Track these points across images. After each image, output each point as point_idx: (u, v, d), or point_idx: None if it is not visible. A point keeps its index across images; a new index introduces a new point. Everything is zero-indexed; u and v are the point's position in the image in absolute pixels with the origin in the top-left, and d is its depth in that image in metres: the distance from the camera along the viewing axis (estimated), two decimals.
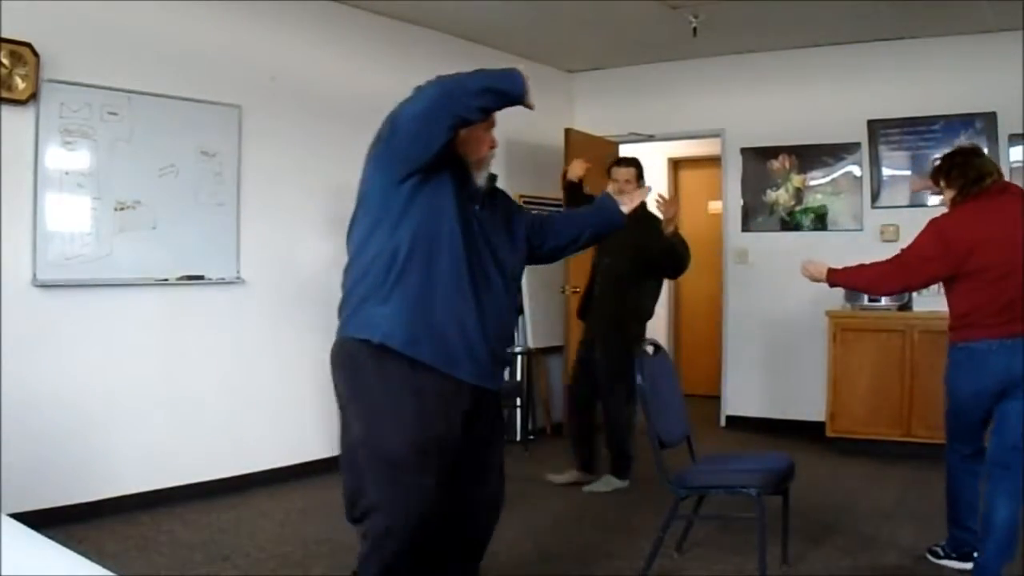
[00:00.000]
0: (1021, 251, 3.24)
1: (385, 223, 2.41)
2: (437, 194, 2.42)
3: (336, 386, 2.58)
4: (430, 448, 2.41)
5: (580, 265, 6.48)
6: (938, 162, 3.67)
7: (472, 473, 2.60)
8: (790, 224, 6.47)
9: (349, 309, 2.50)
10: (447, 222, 2.43)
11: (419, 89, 2.42)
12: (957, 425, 3.48)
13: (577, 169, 4.90)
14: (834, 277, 3.56)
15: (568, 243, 2.85)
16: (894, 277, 3.52)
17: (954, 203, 3.49)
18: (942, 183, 3.55)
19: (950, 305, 3.46)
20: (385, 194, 2.42)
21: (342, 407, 2.58)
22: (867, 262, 3.56)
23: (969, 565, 3.45)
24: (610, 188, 4.41)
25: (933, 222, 3.47)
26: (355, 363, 2.47)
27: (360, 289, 2.46)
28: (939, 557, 3.58)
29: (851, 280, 3.64)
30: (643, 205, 4.32)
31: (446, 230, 2.42)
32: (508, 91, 2.38)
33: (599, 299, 4.92)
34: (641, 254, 4.71)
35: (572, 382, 5.25)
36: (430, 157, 2.36)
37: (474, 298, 2.44)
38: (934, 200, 5.17)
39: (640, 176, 4.89)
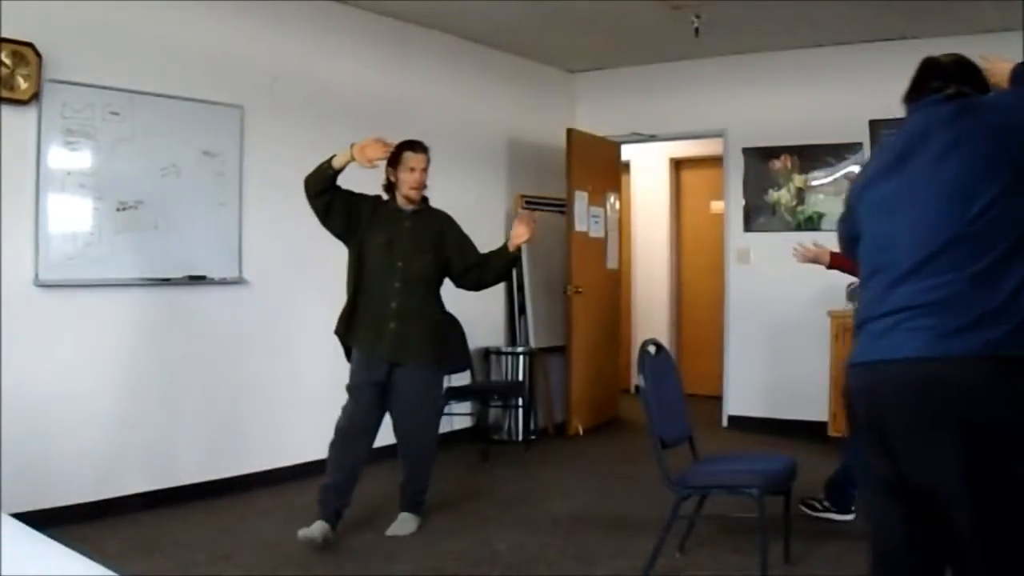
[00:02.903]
0: None
1: None
2: None
3: (994, 423, 1.91)
4: None
5: (582, 266, 6.50)
6: None
7: None
8: (792, 224, 6.47)
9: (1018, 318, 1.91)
10: None
11: None
12: None
13: (373, 152, 3.83)
14: (839, 262, 3.99)
15: None
16: None
17: None
18: None
19: None
20: None
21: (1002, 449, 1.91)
22: None
23: None
24: (402, 176, 3.96)
25: None
26: None
27: None
28: None
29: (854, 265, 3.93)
30: (426, 200, 4.12)
31: None
32: None
33: (399, 312, 3.95)
34: (442, 254, 4.07)
35: (352, 418, 3.99)
36: None
37: None
38: None
39: (429, 162, 4.08)
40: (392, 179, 4.04)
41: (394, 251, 3.97)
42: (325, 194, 3.87)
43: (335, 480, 3.91)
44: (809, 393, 6.14)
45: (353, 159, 3.80)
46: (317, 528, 3.78)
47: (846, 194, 2.41)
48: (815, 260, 4.10)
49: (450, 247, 4.09)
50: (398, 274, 3.97)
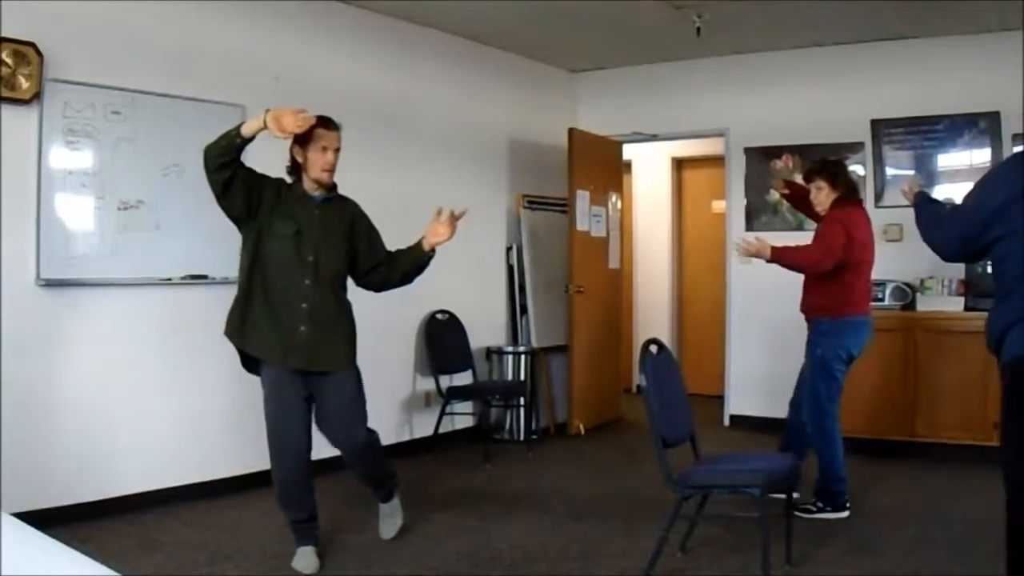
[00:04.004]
0: (874, 253, 4.33)
1: None
2: None
3: None
4: None
5: (584, 265, 6.49)
6: (820, 165, 4.40)
7: None
8: (794, 224, 6.46)
9: None
10: None
11: None
12: (833, 390, 4.28)
13: (289, 122, 3.28)
14: (778, 255, 4.16)
15: None
16: (823, 260, 4.14)
17: (835, 203, 4.25)
18: (824, 183, 4.27)
19: (834, 288, 4.19)
20: None
21: None
22: (799, 245, 4.38)
23: None
24: (313, 156, 3.47)
25: (838, 219, 4.18)
26: None
27: None
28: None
29: (793, 260, 4.24)
30: (335, 186, 3.64)
31: None
32: None
33: (311, 314, 3.51)
34: (351, 247, 3.67)
35: (299, 450, 3.56)
36: None
37: None
38: None
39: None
40: (299, 160, 3.51)
41: (304, 243, 3.49)
42: (227, 168, 3.31)
43: (303, 516, 3.62)
44: None
45: (265, 127, 3.25)
46: (310, 555, 3.59)
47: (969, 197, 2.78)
48: (756, 254, 4.15)
49: (359, 240, 3.66)
50: (308, 269, 3.50)
